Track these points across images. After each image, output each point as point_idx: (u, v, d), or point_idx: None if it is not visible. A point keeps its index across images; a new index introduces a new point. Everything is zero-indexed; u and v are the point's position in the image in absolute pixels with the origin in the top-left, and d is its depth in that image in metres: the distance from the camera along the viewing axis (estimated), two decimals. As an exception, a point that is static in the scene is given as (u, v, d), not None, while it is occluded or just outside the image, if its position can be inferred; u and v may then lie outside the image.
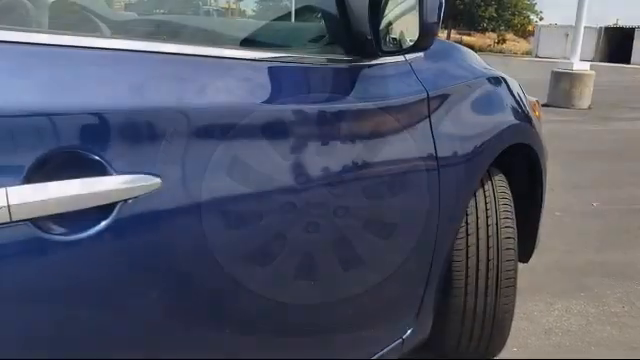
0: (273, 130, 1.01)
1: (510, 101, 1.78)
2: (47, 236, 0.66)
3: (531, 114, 1.89)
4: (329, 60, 1.22)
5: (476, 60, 1.80)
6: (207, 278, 0.89)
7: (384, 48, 1.21)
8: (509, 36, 45.29)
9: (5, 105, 0.64)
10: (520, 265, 2.27)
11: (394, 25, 1.33)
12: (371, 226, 1.25)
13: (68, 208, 0.67)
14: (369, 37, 1.17)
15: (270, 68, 1.09)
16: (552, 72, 9.19)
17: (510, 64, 22.83)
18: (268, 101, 1.03)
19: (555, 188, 3.95)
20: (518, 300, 2.18)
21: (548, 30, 35.87)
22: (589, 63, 9.30)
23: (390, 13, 1.27)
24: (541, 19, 43.53)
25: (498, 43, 43.01)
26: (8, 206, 0.61)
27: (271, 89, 1.06)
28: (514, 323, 2.03)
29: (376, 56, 1.23)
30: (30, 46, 0.71)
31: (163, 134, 0.80)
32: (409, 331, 1.46)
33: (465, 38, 43.96)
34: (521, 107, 1.82)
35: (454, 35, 44.10)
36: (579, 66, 8.89)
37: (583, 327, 2.11)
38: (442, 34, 43.08)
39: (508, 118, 1.71)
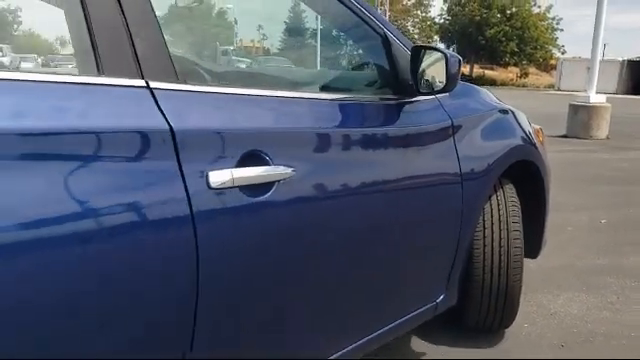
0: (347, 145, 1.56)
1: (516, 127, 2.30)
2: (244, 197, 1.20)
3: (534, 138, 2.41)
4: (381, 99, 1.77)
5: (489, 96, 2.34)
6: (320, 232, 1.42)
7: (421, 90, 1.75)
8: (532, 70, 45.76)
9: (229, 128, 1.20)
10: (532, 264, 2.76)
11: (427, 72, 1.87)
12: (414, 221, 1.78)
13: (253, 182, 1.22)
14: (410, 82, 1.72)
15: (341, 105, 1.64)
16: (570, 105, 9.66)
17: (531, 98, 23.27)
18: (341, 127, 1.58)
19: (569, 208, 4.43)
20: (529, 292, 2.68)
21: (570, 64, 36.24)
22: (606, 96, 9.73)
23: (424, 64, 1.81)
24: (563, 53, 43.95)
25: (520, 77, 43.48)
26: (233, 179, 1.16)
27: (343, 119, 1.61)
28: (525, 308, 2.52)
29: (415, 95, 1.78)
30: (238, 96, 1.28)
31: (295, 143, 1.35)
32: (441, 297, 1.96)
33: (487, 72, 44.55)
34: (525, 132, 2.34)
35: (477, 69, 44.73)
36: (596, 99, 9.35)
37: (583, 311, 2.58)
38: (465, 68, 43.71)
39: (514, 140, 2.23)
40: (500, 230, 2.13)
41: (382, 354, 2.07)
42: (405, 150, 1.76)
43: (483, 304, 2.16)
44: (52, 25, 1.54)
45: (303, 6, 1.99)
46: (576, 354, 2.20)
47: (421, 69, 1.76)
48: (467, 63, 45.64)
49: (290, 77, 2.02)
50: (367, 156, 1.62)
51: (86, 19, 1.05)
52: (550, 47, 44.10)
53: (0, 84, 0.95)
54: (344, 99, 1.66)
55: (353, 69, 2.01)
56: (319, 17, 2.67)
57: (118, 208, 1.00)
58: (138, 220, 1.03)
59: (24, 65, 1.90)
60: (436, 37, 47.49)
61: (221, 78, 1.91)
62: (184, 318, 1.11)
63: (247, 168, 1.21)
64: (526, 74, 44.13)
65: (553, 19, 43.36)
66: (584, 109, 9.40)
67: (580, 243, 3.62)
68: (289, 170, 1.29)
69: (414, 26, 47.33)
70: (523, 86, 39.75)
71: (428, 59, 1.77)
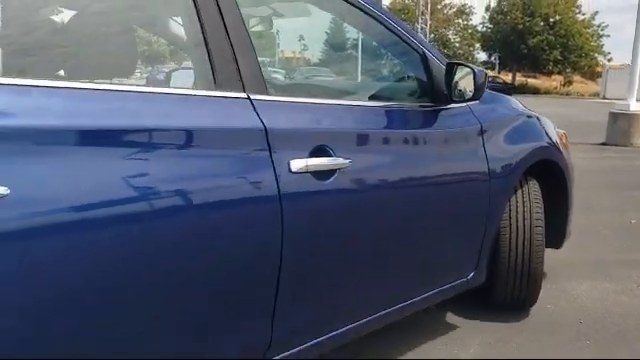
0: (393, 143, 1.94)
1: (539, 131, 2.64)
2: (314, 180, 1.59)
3: (557, 141, 2.73)
4: (420, 106, 2.15)
5: (516, 104, 2.68)
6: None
7: (454, 98, 2.11)
8: (576, 78, 45.08)
9: (304, 128, 1.60)
10: (561, 257, 3.05)
11: (459, 83, 2.23)
12: (447, 208, 2.14)
13: (320, 169, 1.61)
14: (445, 92, 2.09)
15: (387, 111, 2.02)
16: (610, 113, 9.78)
17: (574, 106, 23.09)
18: (388, 128, 1.96)
19: (603, 210, 4.69)
20: (553, 280, 2.98)
21: (616, 72, 35.63)
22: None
23: (456, 77, 2.17)
24: (610, 60, 43.17)
25: (564, 85, 42.87)
26: (307, 166, 1.55)
27: (389, 122, 2.00)
28: (550, 292, 2.83)
29: (449, 103, 2.14)
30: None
31: (351, 141, 1.74)
32: (472, 274, 2.31)
33: (530, 81, 44.12)
34: (548, 135, 2.67)
35: (519, 78, 44.35)
36: (636, 107, 9.45)
37: (603, 296, 2.87)
38: (507, 77, 43.49)
39: (536, 142, 2.56)
40: (524, 219, 2.46)
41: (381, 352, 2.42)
42: (441, 148, 2.13)
43: (509, 283, 2.49)
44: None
45: (346, 25, 2.39)
46: (592, 330, 2.50)
47: (454, 81, 2.13)
48: (509, 71, 45.34)
49: (345, 88, 2.42)
50: (408, 152, 2.01)
51: (207, 47, 1.47)
52: (595, 54, 43.38)
53: (155, 96, 1.38)
54: (390, 106, 2.05)
55: (395, 81, 2.39)
56: (360, 34, 3.04)
57: (231, 184, 1.41)
58: (243, 194, 1.43)
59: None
60: (478, 45, 47.36)
61: (295, 90, 2.32)
62: (274, 264, 1.51)
63: (316, 158, 1.60)
64: (570, 82, 43.47)
65: (598, 26, 42.68)
66: (624, 117, 9.51)
67: (608, 241, 3.89)
68: (347, 161, 1.68)
69: (455, 34, 47.33)
70: (567, 94, 39.18)
71: (460, 73, 2.14)
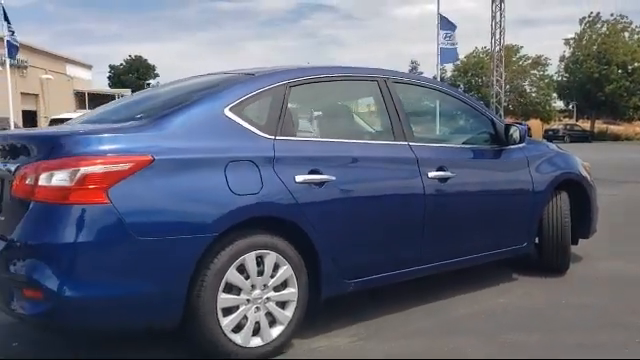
0: (476, 167, 3.73)
1: (567, 161, 4.32)
2: (439, 183, 3.38)
3: (579, 169, 4.38)
4: (488, 146, 3.92)
5: (551, 145, 4.42)
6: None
7: (509, 142, 3.87)
8: (660, 124, 44.59)
9: (430, 157, 3.43)
10: (583, 243, 4.62)
11: (512, 134, 3.97)
12: (509, 206, 3.88)
13: (441, 177, 3.40)
14: (503, 139, 3.86)
15: (471, 149, 3.83)
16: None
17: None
18: (472, 159, 3.76)
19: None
20: (578, 260, 4.55)
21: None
22: None
23: (510, 131, 3.91)
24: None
25: (647, 131, 42.53)
26: (435, 175, 3.36)
27: (473, 155, 3.80)
28: (574, 264, 4.39)
29: (506, 145, 3.89)
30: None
31: (455, 164, 3.54)
32: (525, 244, 3.99)
33: (611, 127, 44.09)
34: (574, 165, 4.34)
35: (599, 125, 44.47)
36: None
37: (617, 269, 4.42)
38: (585, 124, 43.70)
39: (562, 170, 4.23)
40: (555, 214, 4.11)
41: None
42: (503, 172, 3.88)
43: (549, 250, 4.12)
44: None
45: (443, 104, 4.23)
46: (607, 288, 4.06)
47: (509, 133, 3.88)
48: (587, 119, 45.49)
49: (449, 138, 4.29)
50: (485, 174, 3.78)
51: (389, 118, 3.34)
52: (679, 99, 42.82)
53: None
54: (473, 147, 3.85)
55: (477, 134, 4.16)
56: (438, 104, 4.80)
57: (409, 183, 3.26)
58: (413, 190, 3.27)
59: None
60: (554, 95, 47.89)
61: (425, 139, 4.13)
62: (421, 221, 3.30)
63: (439, 172, 3.39)
64: (653, 128, 43.01)
65: (679, 72, 42.30)
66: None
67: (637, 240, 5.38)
68: (452, 174, 3.45)
69: (531, 85, 48.14)
70: (649, 140, 38.93)
71: (512, 128, 3.89)
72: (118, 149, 2.43)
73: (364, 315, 3.32)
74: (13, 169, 2.54)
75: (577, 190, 4.33)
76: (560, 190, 4.17)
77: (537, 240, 4.12)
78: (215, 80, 3.23)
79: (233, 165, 2.65)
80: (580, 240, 4.45)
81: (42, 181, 2.35)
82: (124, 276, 2.39)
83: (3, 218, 2.60)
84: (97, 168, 2.34)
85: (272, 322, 2.76)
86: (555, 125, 43.22)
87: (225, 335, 2.58)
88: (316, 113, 3.60)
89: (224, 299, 2.59)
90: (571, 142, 33.85)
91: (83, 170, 2.32)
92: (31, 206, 2.38)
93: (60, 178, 2.33)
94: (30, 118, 37.99)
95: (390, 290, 3.56)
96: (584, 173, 4.42)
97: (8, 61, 23.98)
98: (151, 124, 2.64)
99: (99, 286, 2.35)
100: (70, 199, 2.31)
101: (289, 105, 3.00)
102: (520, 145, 3.97)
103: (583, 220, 4.39)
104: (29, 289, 2.34)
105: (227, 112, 2.77)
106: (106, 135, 2.53)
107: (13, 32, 21.94)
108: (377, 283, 3.27)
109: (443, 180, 3.39)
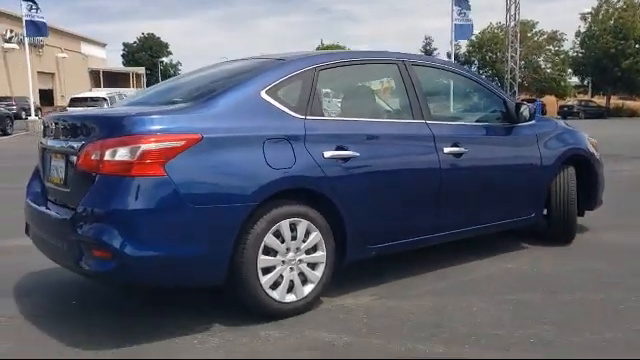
0: (489, 143, 4.02)
1: (575, 137, 4.59)
2: (454, 157, 3.68)
3: (588, 145, 4.65)
4: (500, 123, 4.21)
5: (560, 122, 4.70)
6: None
7: (520, 120, 4.16)
8: (678, 99, 44.16)
9: (448, 134, 3.73)
10: (590, 215, 4.91)
11: (522, 112, 4.25)
12: (520, 179, 4.17)
13: (456, 152, 3.71)
14: (514, 117, 4.15)
15: (484, 126, 4.13)
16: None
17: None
18: (486, 135, 4.06)
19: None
20: (584, 231, 4.84)
21: None
22: None
23: (521, 109, 4.19)
24: None
25: (663, 107, 42.15)
26: (450, 151, 3.66)
27: (486, 132, 4.10)
28: (580, 235, 4.69)
29: (517, 123, 4.18)
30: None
31: (468, 140, 3.82)
32: (533, 214, 4.30)
33: (627, 103, 43.74)
34: (581, 141, 4.61)
35: (615, 100, 44.12)
36: None
37: (619, 238, 4.72)
38: (601, 100, 43.40)
39: (569, 145, 4.51)
40: (562, 187, 4.40)
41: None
42: (513, 148, 4.17)
43: (557, 221, 4.42)
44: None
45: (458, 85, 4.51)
46: (609, 255, 4.37)
47: (520, 111, 4.16)
48: (603, 95, 45.14)
49: (465, 116, 4.59)
50: (496, 149, 4.08)
51: (409, 100, 3.64)
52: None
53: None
54: (485, 125, 4.14)
55: (490, 112, 4.43)
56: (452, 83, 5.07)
57: (427, 158, 3.58)
58: (429, 165, 3.58)
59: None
60: (569, 71, 47.51)
61: (442, 117, 4.42)
62: (437, 191, 3.62)
63: (454, 148, 3.69)
64: (670, 103, 42.61)
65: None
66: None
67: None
68: (466, 150, 3.75)
69: (546, 61, 47.78)
70: (666, 116, 38.63)
71: (522, 107, 4.17)
72: (172, 128, 2.76)
73: (384, 278, 3.67)
74: (77, 146, 2.89)
75: (584, 165, 4.61)
76: (567, 165, 4.45)
77: (546, 212, 4.42)
78: (248, 65, 3.54)
79: (269, 142, 2.97)
80: (586, 212, 4.75)
81: (107, 156, 2.70)
82: (179, 239, 2.74)
83: (69, 190, 2.96)
84: (155, 145, 2.68)
85: (304, 281, 3.11)
86: (570, 101, 42.98)
87: (264, 291, 2.94)
88: (342, 94, 3.91)
89: (263, 260, 2.94)
90: (586, 118, 33.76)
91: (143, 147, 2.66)
92: (97, 178, 2.73)
93: (123, 154, 2.67)
94: (47, 97, 38.54)
95: (407, 256, 3.90)
96: (591, 149, 4.69)
97: (27, 40, 24.41)
98: (198, 106, 2.97)
99: (158, 247, 2.70)
100: (132, 172, 2.66)
101: (317, 87, 3.32)
102: (530, 122, 4.25)
103: (589, 193, 4.67)
104: (98, 249, 2.69)
105: (263, 94, 3.09)
106: (161, 116, 2.85)
107: (38, 8, 22.32)
108: (396, 249, 3.61)
109: (457, 155, 3.70)
